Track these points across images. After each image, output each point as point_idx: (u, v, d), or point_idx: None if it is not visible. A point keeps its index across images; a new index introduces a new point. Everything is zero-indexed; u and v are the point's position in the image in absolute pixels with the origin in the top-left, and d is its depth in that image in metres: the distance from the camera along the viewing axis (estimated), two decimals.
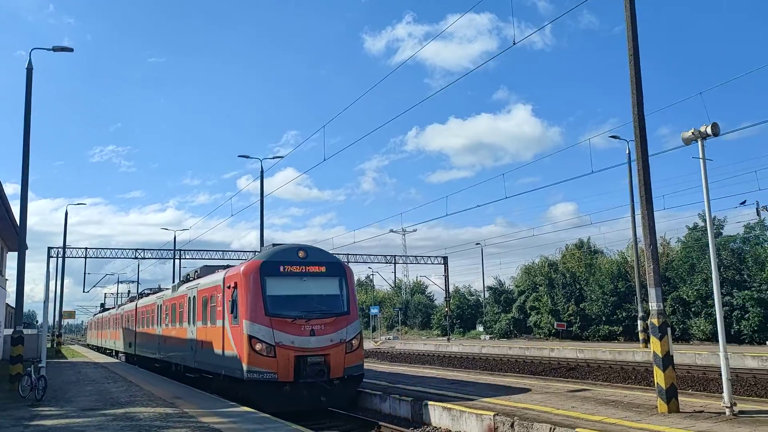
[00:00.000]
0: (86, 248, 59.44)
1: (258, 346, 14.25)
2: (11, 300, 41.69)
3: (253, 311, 14.59)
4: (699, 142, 11.39)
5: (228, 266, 19.08)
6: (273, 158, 36.38)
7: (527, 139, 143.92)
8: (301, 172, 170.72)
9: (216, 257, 61.65)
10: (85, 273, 61.55)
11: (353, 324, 15.38)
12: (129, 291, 67.17)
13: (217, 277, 17.55)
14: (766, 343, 34.22)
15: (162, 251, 60.57)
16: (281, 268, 15.24)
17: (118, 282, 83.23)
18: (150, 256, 61.08)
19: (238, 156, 35.19)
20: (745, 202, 33.30)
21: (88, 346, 69.26)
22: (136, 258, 61.07)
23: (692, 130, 11.35)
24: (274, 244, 16.50)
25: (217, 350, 16.52)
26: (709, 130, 11.18)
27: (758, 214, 30.91)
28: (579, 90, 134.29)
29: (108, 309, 54.35)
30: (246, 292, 14.87)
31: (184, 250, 58.61)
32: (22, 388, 15.95)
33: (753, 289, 35.77)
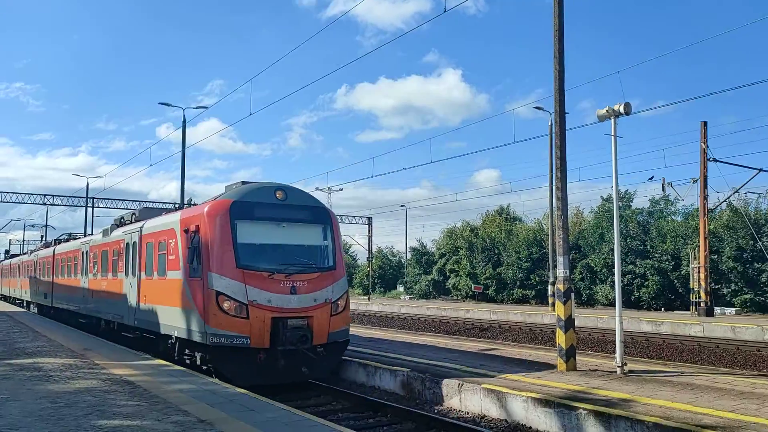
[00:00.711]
0: None
1: (226, 305, 11.82)
2: None
3: (221, 262, 12.11)
4: (612, 120, 12.00)
5: (180, 206, 16.68)
6: (197, 107, 35.09)
7: (456, 104, 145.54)
8: (225, 125, 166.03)
9: (131, 207, 59.58)
10: None
11: (340, 281, 13.09)
12: (42, 237, 64.08)
13: (171, 218, 14.71)
14: (662, 309, 36.83)
15: (73, 198, 57.96)
16: (255, 211, 12.74)
17: (24, 228, 79.56)
18: (60, 202, 58.31)
19: (159, 103, 34.21)
20: (653, 177, 35.28)
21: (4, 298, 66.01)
22: (44, 204, 58.09)
23: (606, 108, 11.93)
24: (243, 182, 13.82)
25: (169, 307, 13.97)
26: (621, 109, 11.79)
27: (663, 189, 32.89)
28: (508, 58, 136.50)
29: (17, 255, 51.74)
30: (212, 238, 12.30)
31: (98, 198, 56.32)
32: None
33: (654, 258, 38.20)
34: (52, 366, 12.15)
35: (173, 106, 33.51)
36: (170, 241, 14.10)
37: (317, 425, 7.59)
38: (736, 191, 32.63)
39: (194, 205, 15.45)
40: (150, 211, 18.79)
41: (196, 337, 12.38)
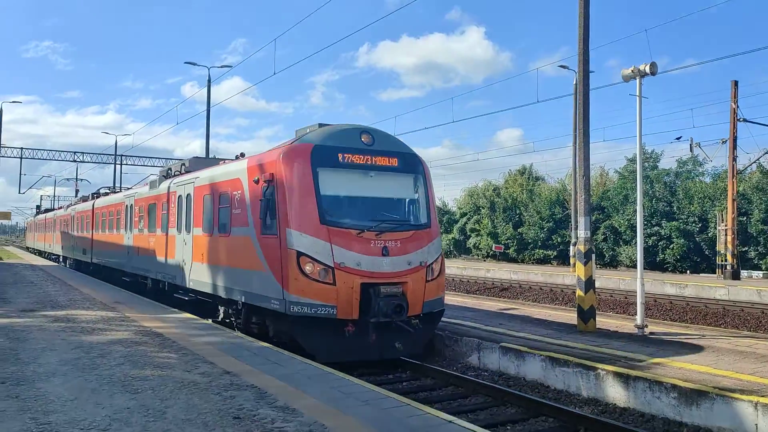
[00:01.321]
0: (22, 148, 57.01)
1: (309, 267, 10.20)
2: None
3: (302, 216, 10.47)
4: (637, 80, 11.78)
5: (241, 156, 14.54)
6: (221, 67, 35.33)
7: (478, 62, 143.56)
8: (249, 84, 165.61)
9: (159, 165, 60.28)
10: (20, 174, 59.29)
11: (435, 242, 11.39)
12: (77, 191, 65.13)
13: (235, 167, 13.03)
14: (687, 272, 36.57)
15: (102, 155, 58.77)
16: (340, 157, 10.99)
17: (55, 184, 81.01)
18: (89, 160, 59.20)
19: (185, 62, 34.13)
20: (680, 137, 34.67)
21: (27, 249, 67.41)
22: (75, 161, 59.00)
23: (632, 68, 11.71)
24: (320, 124, 11.93)
25: (234, 269, 12.44)
26: (647, 69, 11.56)
27: (691, 150, 32.24)
28: (533, 15, 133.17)
29: (53, 210, 52.54)
30: (290, 189, 10.64)
31: (127, 156, 57.02)
32: None
33: (680, 220, 37.76)
34: (85, 318, 12.59)
35: (198, 65, 33.61)
36: (234, 193, 12.54)
37: (337, 378, 7.84)
38: (767, 152, 31.92)
39: (240, 158, 14.11)
40: (201, 161, 17.39)
41: (273, 305, 10.73)
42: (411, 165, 11.79)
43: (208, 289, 13.81)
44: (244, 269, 11.91)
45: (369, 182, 11.21)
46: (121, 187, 34.17)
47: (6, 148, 54.09)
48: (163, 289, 17.17)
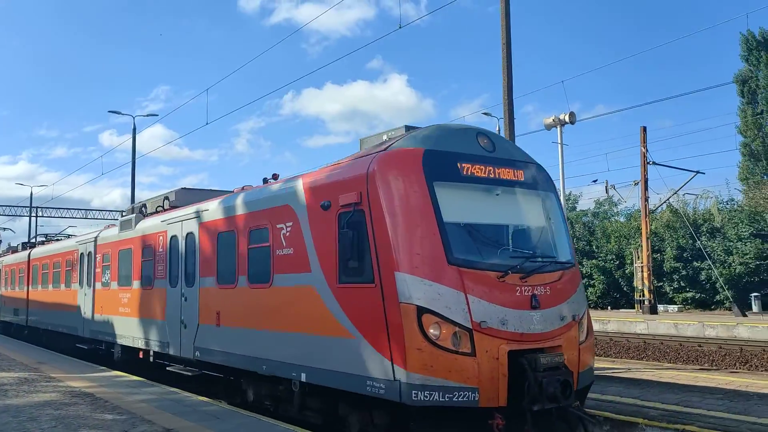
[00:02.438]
0: None
1: (436, 330, 6.83)
2: None
3: (418, 254, 7.14)
4: (558, 129, 12.58)
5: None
6: (147, 115, 34.76)
7: (402, 109, 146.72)
8: (172, 131, 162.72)
9: (77, 216, 58.09)
10: None
11: (581, 286, 8.39)
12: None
13: (280, 189, 9.50)
14: (608, 308, 38.16)
15: (16, 207, 56.08)
16: (461, 168, 7.72)
17: None
18: (1, 212, 56.38)
19: (109, 111, 33.41)
20: (596, 180, 36.74)
21: None
22: None
23: (552, 117, 12.49)
24: (408, 127, 8.82)
25: (287, 333, 8.84)
26: (567, 118, 12.36)
27: (607, 191, 34.27)
28: (452, 64, 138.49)
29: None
30: (394, 214, 7.30)
31: (44, 207, 54.65)
32: None
33: (599, 258, 39.59)
34: (8, 380, 11.91)
35: (123, 114, 33.04)
36: (278, 226, 9.12)
37: (280, 428, 7.76)
38: (675, 193, 34.18)
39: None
40: (193, 193, 13.72)
41: (374, 389, 7.21)
42: (541, 179, 8.58)
43: (233, 362, 10.12)
44: (306, 334, 8.41)
45: (495, 203, 8.02)
46: (29, 241, 29.91)
47: None
48: (145, 360, 13.86)
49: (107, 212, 62.03)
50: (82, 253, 17.75)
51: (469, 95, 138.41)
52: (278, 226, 9.15)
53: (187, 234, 11.84)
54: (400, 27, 11.44)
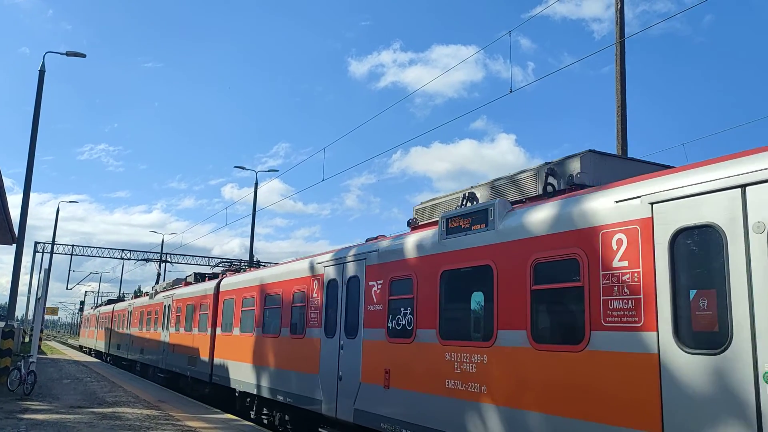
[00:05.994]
0: (72, 245, 59.50)
1: None
2: None
3: None
4: None
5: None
6: (268, 171, 37.05)
7: (510, 168, 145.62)
8: (289, 186, 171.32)
9: (201, 263, 61.90)
10: (69, 270, 61.51)
11: None
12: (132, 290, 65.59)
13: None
14: None
15: (148, 252, 60.73)
16: None
17: (100, 280, 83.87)
18: (134, 257, 61.22)
19: (235, 167, 35.78)
20: None
21: (80, 348, 56.38)
22: (121, 258, 61.21)
23: None
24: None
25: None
26: None
27: None
28: (562, 124, 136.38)
29: (121, 300, 46.96)
30: None
31: (172, 254, 58.83)
32: (10, 382, 16.26)
33: None
34: (131, 416, 12.86)
35: (246, 169, 35.43)
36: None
37: None
38: None
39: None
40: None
41: None
42: None
43: None
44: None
45: None
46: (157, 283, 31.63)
47: (58, 245, 56.41)
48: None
49: (224, 259, 65.59)
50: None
51: (579, 150, 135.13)
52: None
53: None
54: (510, 91, 11.65)
